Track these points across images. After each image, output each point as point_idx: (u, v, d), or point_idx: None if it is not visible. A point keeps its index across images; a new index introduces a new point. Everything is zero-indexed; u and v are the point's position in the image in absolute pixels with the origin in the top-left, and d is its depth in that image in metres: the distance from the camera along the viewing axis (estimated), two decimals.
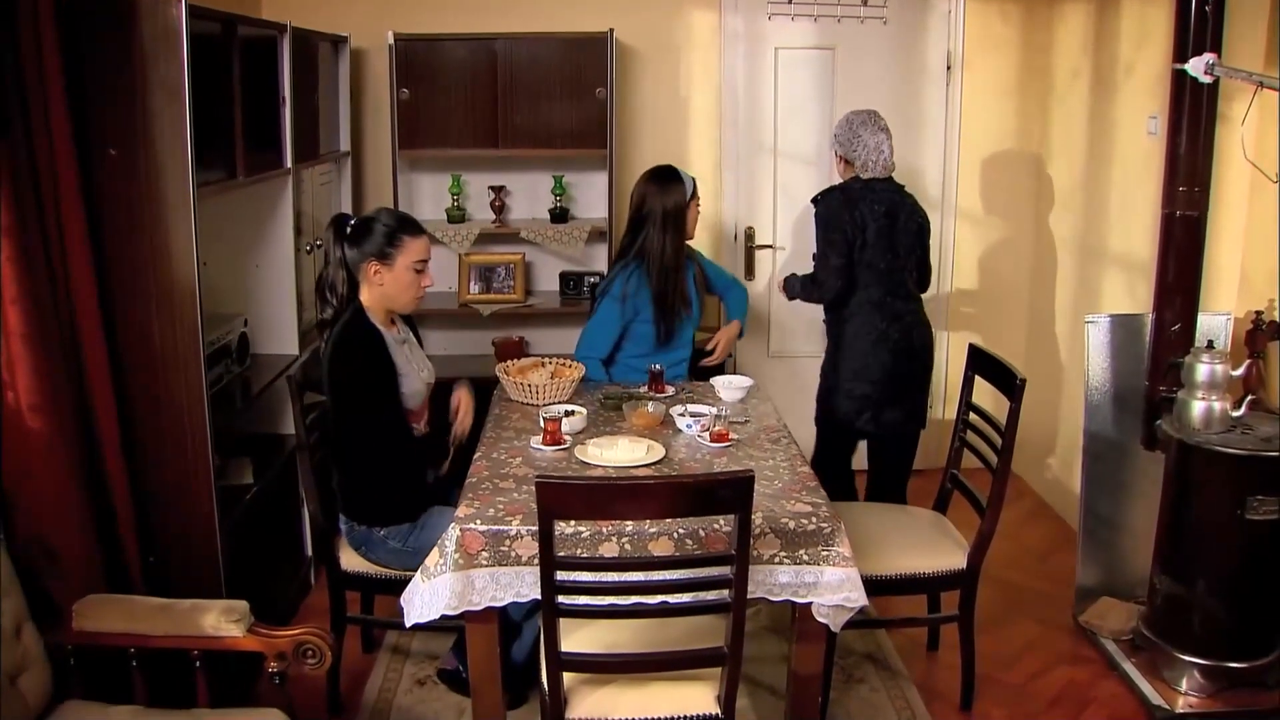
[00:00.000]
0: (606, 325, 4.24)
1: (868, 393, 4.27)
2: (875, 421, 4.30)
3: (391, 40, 4.97)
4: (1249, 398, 3.71)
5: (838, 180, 4.44)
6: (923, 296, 4.46)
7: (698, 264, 4.43)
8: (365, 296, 3.46)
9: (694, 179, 4.27)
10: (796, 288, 4.50)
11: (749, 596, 2.75)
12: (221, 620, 2.78)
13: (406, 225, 3.46)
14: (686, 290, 4.27)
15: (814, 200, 4.36)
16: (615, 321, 4.23)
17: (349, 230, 3.45)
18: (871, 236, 4.20)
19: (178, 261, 3.25)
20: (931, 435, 5.84)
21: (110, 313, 3.19)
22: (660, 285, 4.18)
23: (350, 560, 3.56)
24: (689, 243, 4.34)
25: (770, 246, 5.67)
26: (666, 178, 4.22)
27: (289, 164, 4.26)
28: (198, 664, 2.80)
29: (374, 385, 3.37)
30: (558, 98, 5.12)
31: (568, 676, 2.80)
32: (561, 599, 2.68)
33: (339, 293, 3.47)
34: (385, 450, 3.42)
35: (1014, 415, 3.49)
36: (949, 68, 5.52)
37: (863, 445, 4.58)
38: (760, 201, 5.63)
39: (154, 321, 3.28)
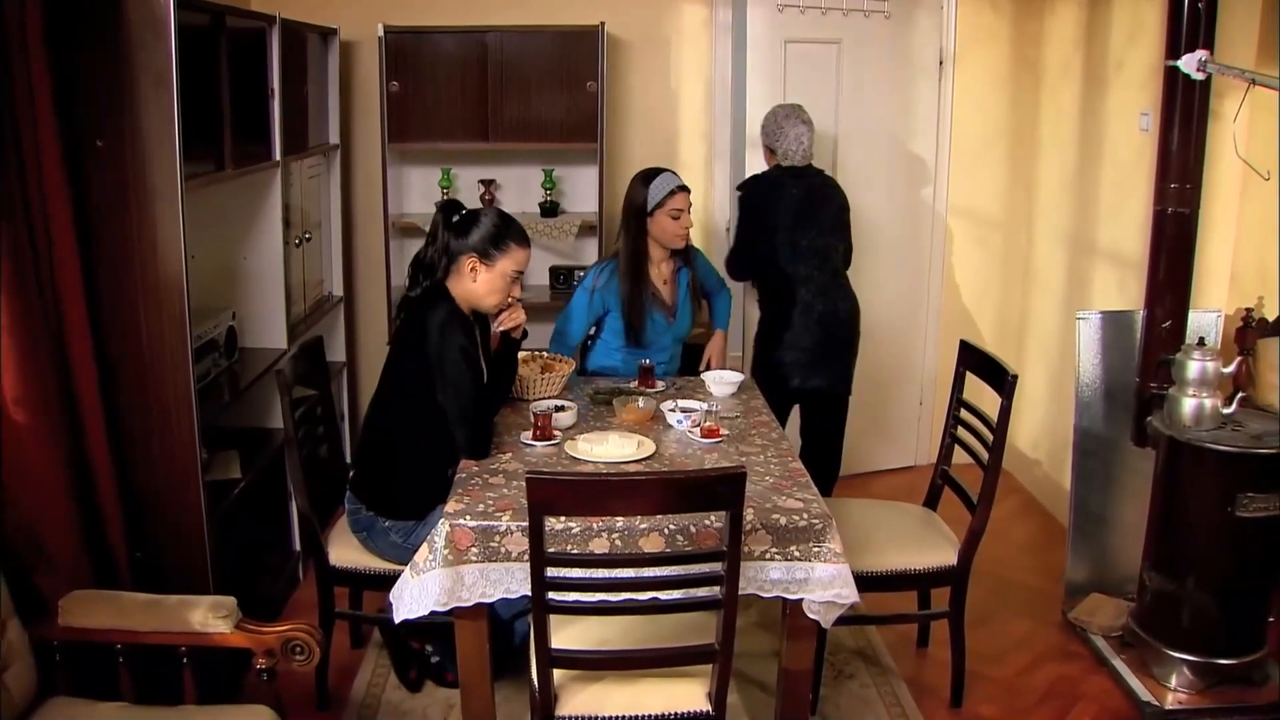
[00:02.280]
0: (574, 315, 4.28)
1: (798, 359, 4.53)
2: (805, 384, 4.53)
3: (381, 32, 4.94)
4: (1239, 395, 3.72)
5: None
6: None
7: (692, 269, 4.38)
8: (454, 287, 3.43)
9: (677, 187, 4.18)
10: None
11: (740, 593, 2.74)
12: (209, 616, 2.76)
13: (516, 233, 3.44)
14: (670, 297, 4.29)
15: (739, 187, 4.71)
16: (582, 312, 4.26)
17: (455, 219, 3.44)
18: (791, 218, 4.49)
19: (165, 254, 3.22)
20: (922, 431, 5.88)
21: (97, 306, 3.17)
22: (623, 287, 4.19)
23: (339, 555, 3.54)
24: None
25: None
26: (641, 180, 4.21)
27: (278, 156, 4.24)
28: (185, 660, 2.78)
29: (459, 371, 3.32)
30: (548, 91, 5.10)
31: (558, 673, 2.79)
32: (552, 595, 2.67)
33: (434, 276, 3.45)
34: (424, 440, 3.40)
35: (1005, 411, 3.49)
36: (941, 62, 5.51)
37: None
38: None
39: (141, 315, 3.25)
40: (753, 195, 4.61)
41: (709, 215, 5.60)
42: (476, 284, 3.41)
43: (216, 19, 3.66)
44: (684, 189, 4.19)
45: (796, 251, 4.50)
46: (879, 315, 5.39)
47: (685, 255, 4.33)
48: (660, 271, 4.28)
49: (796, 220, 4.50)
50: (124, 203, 3.18)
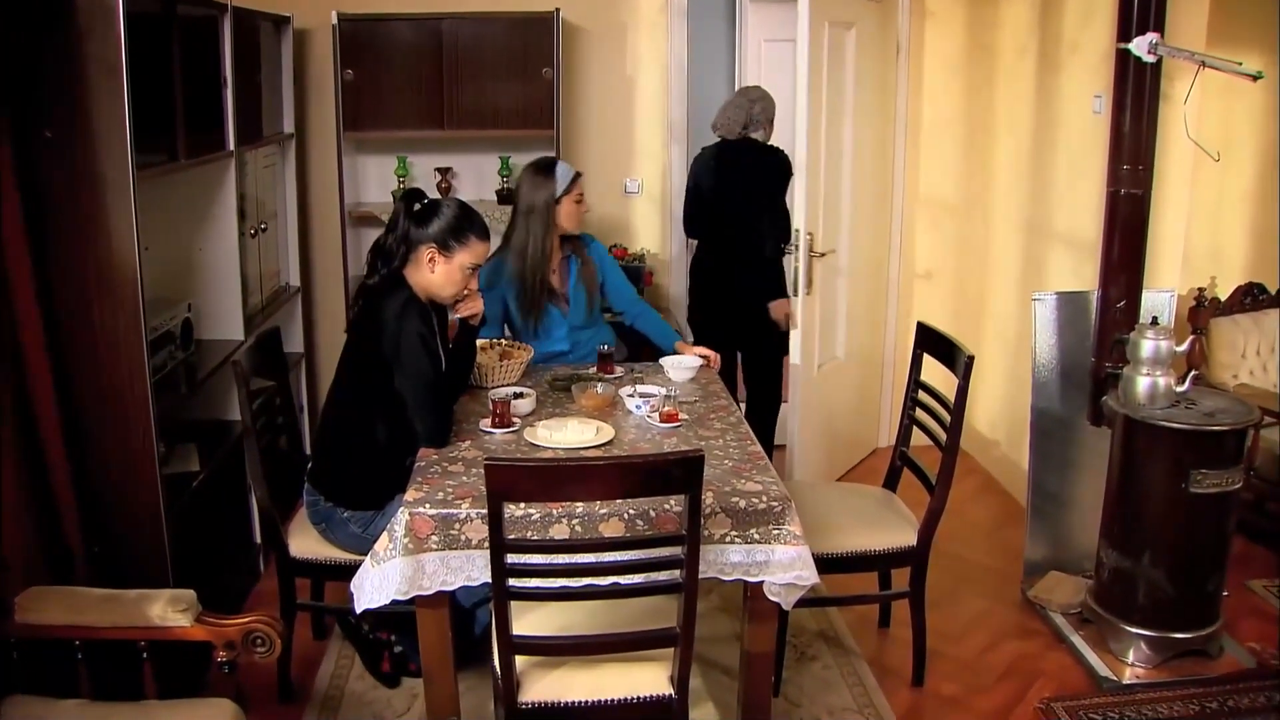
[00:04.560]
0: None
1: (702, 317, 5.13)
2: (715, 340, 4.57)
3: (335, 20, 4.90)
4: (1192, 373, 3.77)
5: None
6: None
7: (585, 259, 4.29)
8: (412, 275, 3.41)
9: (577, 173, 4.18)
10: None
11: (700, 576, 2.75)
12: (169, 610, 2.74)
13: (476, 225, 3.42)
14: (560, 285, 4.21)
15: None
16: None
17: (417, 207, 3.41)
18: (709, 187, 5.01)
19: (118, 246, 3.19)
20: (881, 413, 5.91)
21: (49, 299, 3.13)
22: (525, 279, 4.13)
23: (299, 547, 3.53)
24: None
25: None
26: (538, 170, 4.15)
27: (231, 146, 4.19)
28: (145, 655, 2.76)
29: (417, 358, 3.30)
30: (504, 78, 5.08)
31: (520, 660, 2.79)
32: (512, 582, 2.66)
33: (392, 265, 3.41)
34: (382, 429, 3.38)
35: (962, 392, 3.50)
36: (899, 49, 5.52)
37: None
38: None
39: (95, 308, 3.22)
40: (695, 162, 5.15)
41: (668, 200, 5.61)
42: (434, 275, 3.39)
43: (167, 6, 3.61)
44: (580, 174, 4.23)
45: (708, 219, 5.04)
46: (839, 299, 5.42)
47: (574, 244, 4.28)
48: (551, 262, 4.21)
49: (712, 189, 4.99)
50: (75, 194, 3.14)
